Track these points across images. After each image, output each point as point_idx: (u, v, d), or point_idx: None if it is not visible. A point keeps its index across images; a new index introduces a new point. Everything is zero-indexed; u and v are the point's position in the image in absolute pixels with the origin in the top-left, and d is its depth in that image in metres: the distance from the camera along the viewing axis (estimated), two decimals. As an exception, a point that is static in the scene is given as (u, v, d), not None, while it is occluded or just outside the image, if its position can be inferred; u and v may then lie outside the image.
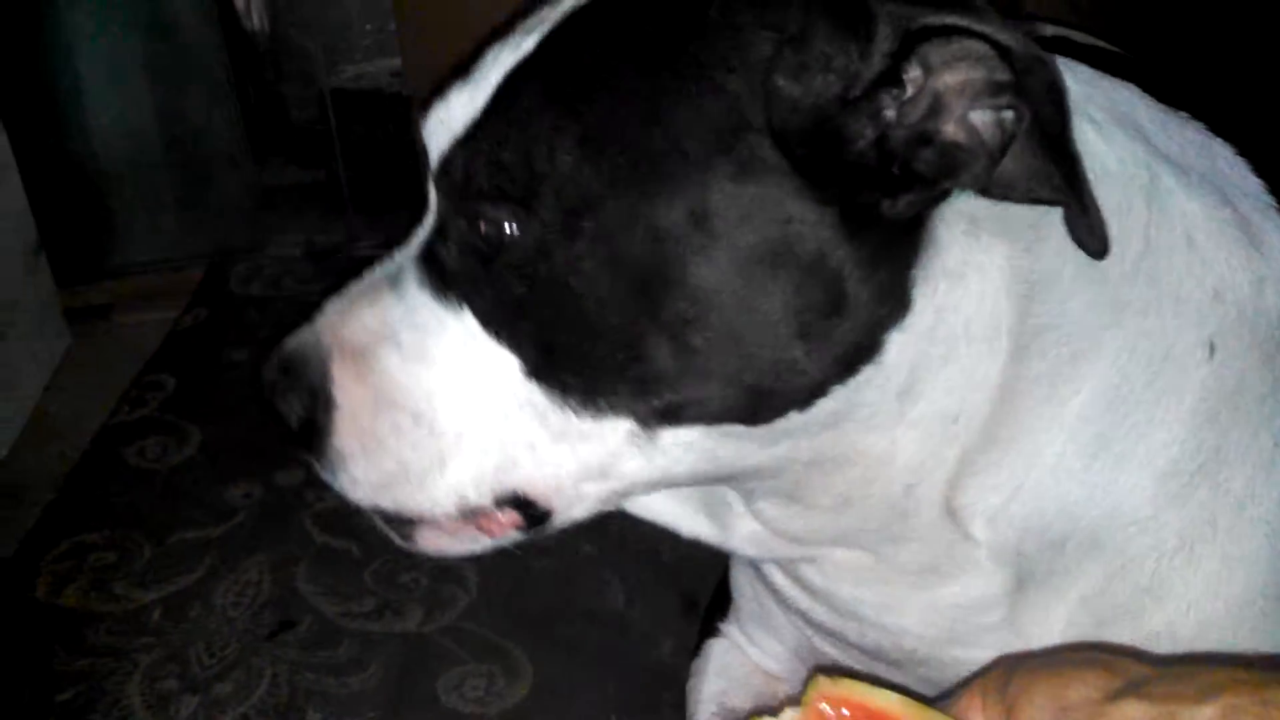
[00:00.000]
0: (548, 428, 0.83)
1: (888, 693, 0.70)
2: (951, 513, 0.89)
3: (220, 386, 2.05)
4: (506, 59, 0.83)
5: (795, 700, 0.72)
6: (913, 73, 0.75)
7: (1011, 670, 0.71)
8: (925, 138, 0.76)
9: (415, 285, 0.87)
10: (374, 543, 1.63)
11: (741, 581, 1.21)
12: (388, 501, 0.88)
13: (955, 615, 0.96)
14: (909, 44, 0.73)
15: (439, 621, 1.53)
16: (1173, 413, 0.88)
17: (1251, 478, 0.91)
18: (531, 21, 0.85)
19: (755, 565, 1.10)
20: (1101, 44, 1.56)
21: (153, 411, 2.00)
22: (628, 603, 1.55)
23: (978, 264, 0.82)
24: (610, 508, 0.89)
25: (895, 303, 0.80)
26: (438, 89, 0.87)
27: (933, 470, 0.88)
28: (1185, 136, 0.97)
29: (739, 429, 0.82)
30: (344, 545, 1.67)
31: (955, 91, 0.75)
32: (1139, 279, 0.87)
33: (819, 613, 1.05)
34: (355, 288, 0.91)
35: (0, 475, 2.01)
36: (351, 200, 2.97)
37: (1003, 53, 0.72)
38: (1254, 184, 0.98)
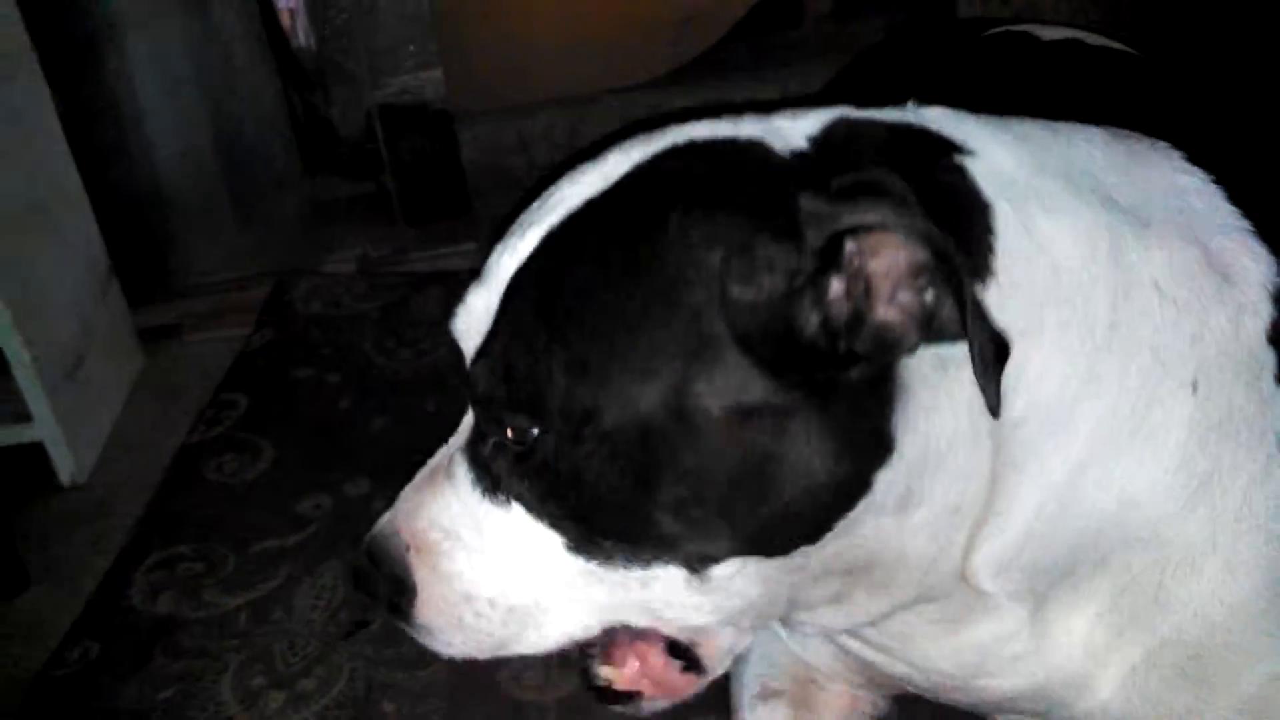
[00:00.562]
0: (609, 583, 0.91)
1: None
2: (966, 578, 0.96)
3: (289, 404, 2.12)
4: (509, 262, 0.92)
5: None
6: (847, 261, 0.81)
7: None
8: (860, 319, 0.82)
9: (468, 485, 0.96)
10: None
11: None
12: (486, 655, 0.99)
13: (982, 652, 1.02)
14: (837, 240, 0.81)
15: (503, 618, 1.60)
16: (1163, 447, 0.93)
17: (1247, 491, 0.95)
18: (528, 215, 0.94)
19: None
20: (1113, 44, 1.59)
21: (227, 429, 2.07)
22: None
23: (949, 393, 0.87)
24: (745, 638, 1.00)
25: (877, 449, 0.86)
26: (461, 290, 0.97)
27: (946, 554, 0.94)
28: (1150, 179, 1.00)
29: (765, 561, 0.90)
30: (410, 551, 1.75)
31: (882, 275, 0.81)
32: (1112, 347, 0.91)
33: (853, 645, 1.13)
34: (421, 477, 1.01)
35: (87, 489, 2.12)
36: (402, 212, 3.05)
37: (919, 239, 0.78)
38: (1226, 212, 1.00)
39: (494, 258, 0.94)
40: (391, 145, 3.06)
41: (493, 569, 0.95)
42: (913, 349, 0.83)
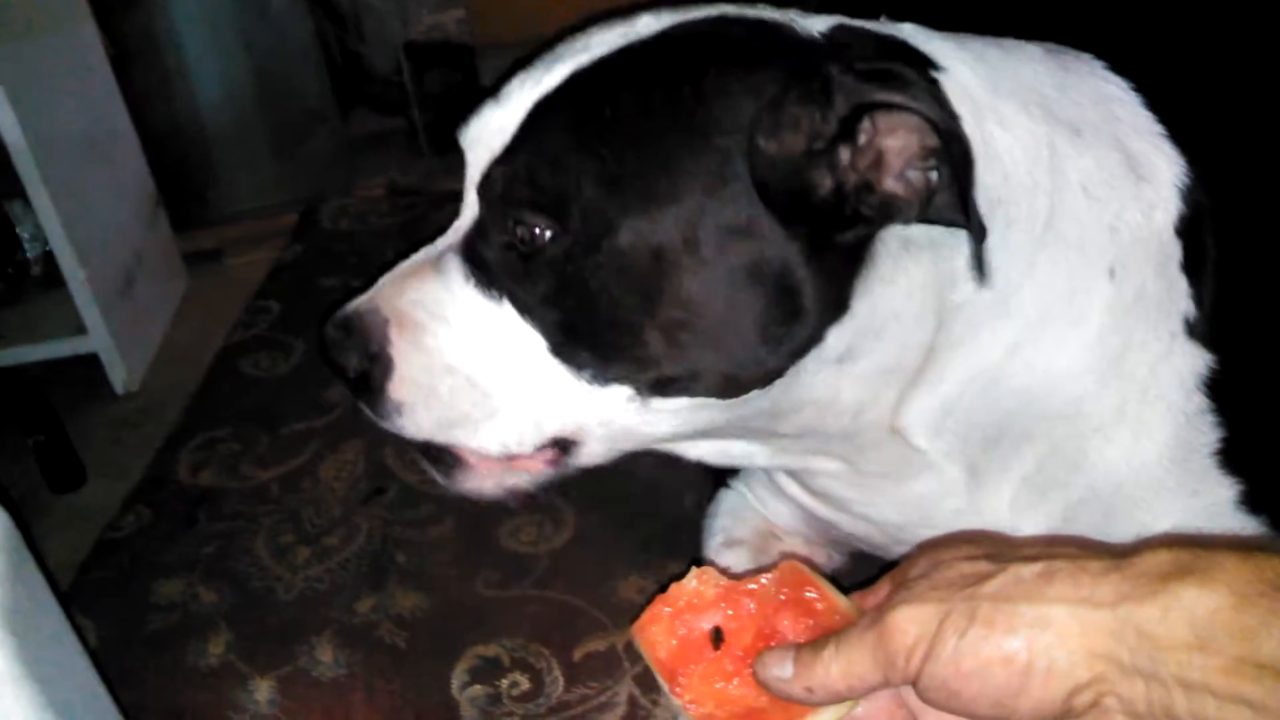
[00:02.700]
0: (567, 392, 0.96)
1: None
2: (896, 431, 1.03)
3: (317, 308, 2.00)
4: (532, 90, 0.95)
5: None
6: (862, 135, 0.88)
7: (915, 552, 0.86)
8: (870, 188, 0.88)
9: (460, 278, 0.98)
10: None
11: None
12: (443, 438, 1.01)
13: (923, 504, 1.10)
14: (859, 112, 0.87)
15: (501, 484, 1.74)
16: (1084, 327, 1.00)
17: (1153, 366, 1.02)
18: (554, 55, 0.98)
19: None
20: None
21: (262, 331, 2.20)
22: (658, 467, 1.57)
23: (906, 270, 0.94)
24: (625, 452, 1.03)
25: (838, 307, 0.93)
26: (473, 106, 1.01)
27: (872, 406, 1.01)
28: (1081, 91, 1.05)
29: (714, 401, 0.96)
30: (424, 430, 1.88)
31: (895, 153, 0.88)
32: (1047, 240, 0.98)
33: (820, 509, 1.22)
34: (404, 267, 1.03)
35: (138, 397, 2.25)
36: (428, 144, 3.12)
37: (932, 126, 0.85)
38: (1144, 118, 1.06)
39: (516, 83, 0.97)
40: (417, 80, 3.13)
41: (476, 352, 0.98)
42: (908, 221, 0.90)
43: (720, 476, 1.46)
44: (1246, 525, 1.07)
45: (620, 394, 0.96)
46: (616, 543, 1.62)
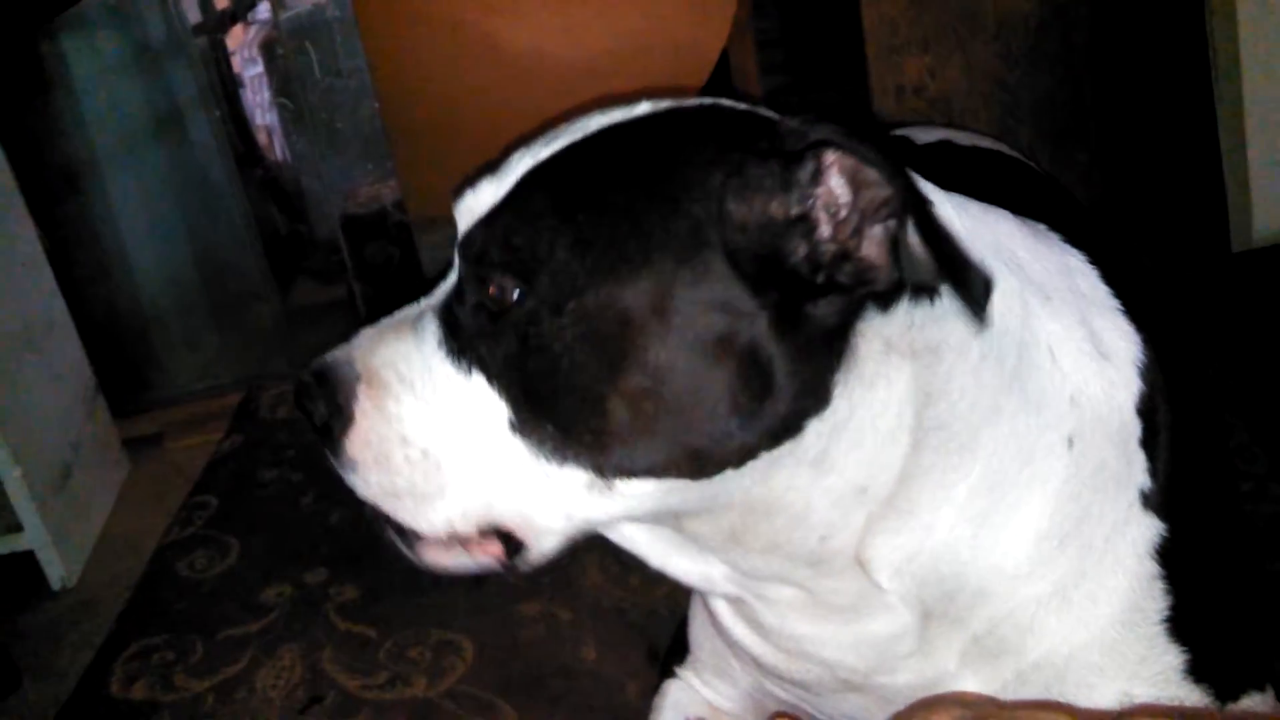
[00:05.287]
0: (523, 473, 0.95)
1: None
2: (860, 563, 1.02)
3: (255, 502, 2.22)
4: (526, 163, 0.99)
5: None
6: (819, 185, 0.90)
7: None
8: (846, 255, 0.90)
9: (434, 341, 1.00)
10: (386, 627, 1.85)
11: (700, 635, 1.35)
12: (389, 509, 1.00)
13: (877, 647, 1.08)
14: (808, 158, 0.89)
15: (440, 687, 1.70)
16: (1041, 493, 1.02)
17: (1110, 534, 1.04)
18: (551, 134, 1.01)
19: (714, 618, 1.22)
20: (982, 142, 1.71)
21: (199, 529, 2.17)
22: (599, 657, 1.70)
23: (887, 377, 0.95)
24: (580, 537, 1.01)
25: (816, 397, 0.93)
26: (470, 178, 1.03)
27: (842, 528, 1.00)
28: (1049, 260, 1.09)
29: (683, 483, 0.94)
30: (361, 630, 1.85)
31: (852, 206, 0.89)
32: (1013, 388, 1.00)
33: (769, 655, 1.17)
34: (388, 323, 1.04)
35: (76, 593, 2.19)
36: (366, 314, 3.10)
37: (878, 172, 0.87)
38: (1102, 292, 1.10)
39: (514, 158, 1.00)
40: (356, 252, 3.14)
41: (436, 423, 0.98)
42: (887, 284, 0.90)
43: (666, 665, 1.44)
44: (1191, 694, 1.08)
45: (578, 479, 0.95)
46: (560, 741, 1.59)
